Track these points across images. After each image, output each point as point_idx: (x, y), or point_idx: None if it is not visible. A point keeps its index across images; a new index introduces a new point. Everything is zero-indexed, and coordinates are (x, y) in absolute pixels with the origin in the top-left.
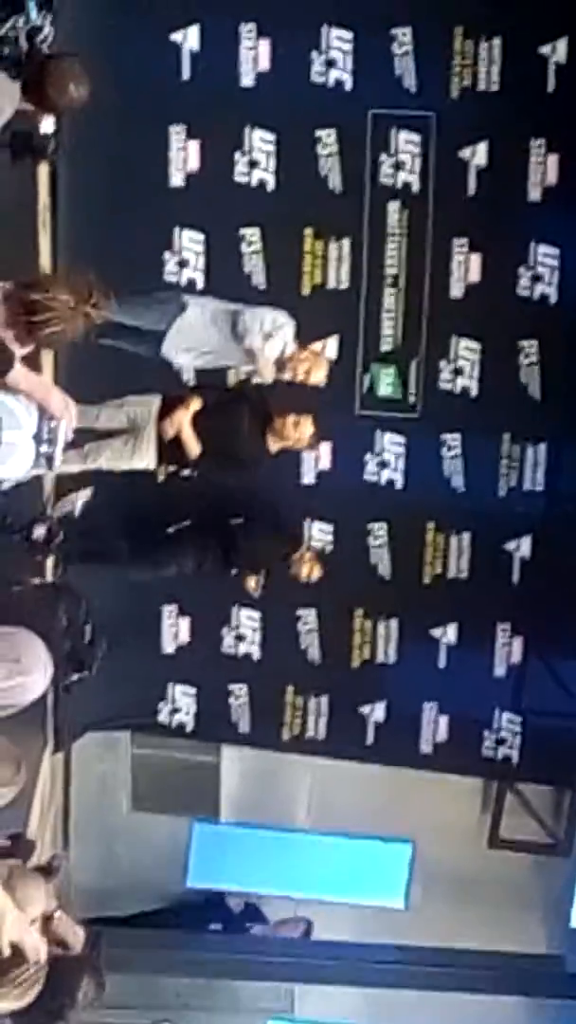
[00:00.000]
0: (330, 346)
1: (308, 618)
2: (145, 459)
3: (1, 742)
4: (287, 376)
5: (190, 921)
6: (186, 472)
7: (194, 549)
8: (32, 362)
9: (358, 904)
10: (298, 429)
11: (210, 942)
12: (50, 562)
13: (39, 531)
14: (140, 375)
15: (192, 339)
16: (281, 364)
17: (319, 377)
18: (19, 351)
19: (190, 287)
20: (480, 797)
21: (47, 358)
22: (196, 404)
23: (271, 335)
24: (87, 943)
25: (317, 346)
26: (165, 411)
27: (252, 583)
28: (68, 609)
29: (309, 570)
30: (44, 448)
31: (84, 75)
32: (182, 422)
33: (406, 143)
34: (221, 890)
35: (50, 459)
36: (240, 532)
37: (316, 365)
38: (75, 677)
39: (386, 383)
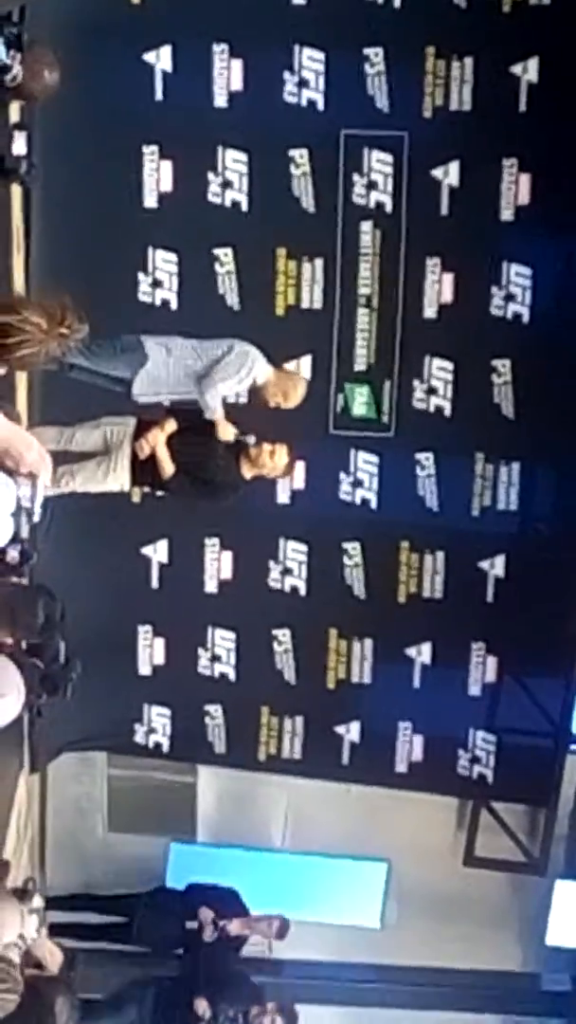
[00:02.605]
0: (303, 367)
1: (283, 638)
2: (120, 480)
3: None
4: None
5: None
6: (160, 493)
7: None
8: (6, 384)
9: (334, 923)
10: (274, 458)
11: (181, 965)
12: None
13: (12, 553)
14: (115, 396)
15: (160, 386)
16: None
17: (295, 401)
18: None
19: (164, 307)
20: (455, 816)
21: (21, 380)
22: (171, 425)
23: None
24: (64, 964)
25: (290, 368)
26: (141, 432)
27: (202, 1007)
28: (47, 606)
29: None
30: (23, 517)
31: (56, 62)
32: (157, 441)
33: (378, 163)
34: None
35: (30, 515)
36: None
37: (291, 391)
38: (48, 700)
39: (360, 403)
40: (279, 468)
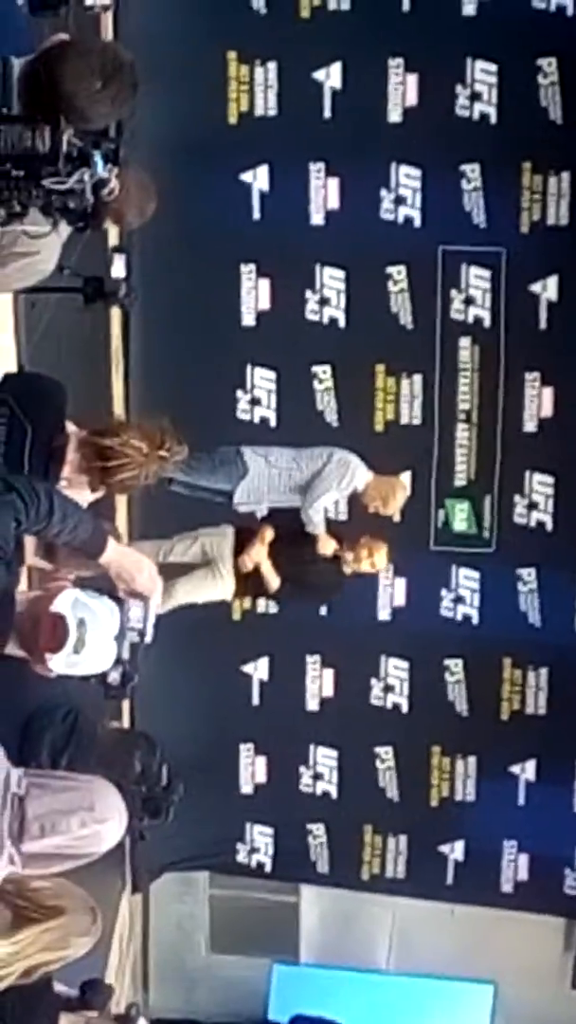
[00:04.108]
0: (405, 481)
1: (386, 756)
2: (225, 589)
3: (77, 892)
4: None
5: None
6: (262, 601)
7: None
8: (106, 502)
9: None
10: (372, 558)
11: None
12: (126, 705)
13: (114, 675)
14: (214, 506)
15: (261, 496)
16: (353, 500)
17: (394, 508)
18: (91, 496)
19: (263, 424)
20: (563, 936)
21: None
22: (270, 535)
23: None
24: None
25: (390, 481)
26: (239, 542)
27: None
28: (143, 757)
29: None
30: (132, 636)
31: (154, 193)
32: (260, 557)
33: (476, 278)
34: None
35: (143, 636)
36: None
37: (390, 497)
38: (150, 823)
39: (460, 518)
40: (378, 567)
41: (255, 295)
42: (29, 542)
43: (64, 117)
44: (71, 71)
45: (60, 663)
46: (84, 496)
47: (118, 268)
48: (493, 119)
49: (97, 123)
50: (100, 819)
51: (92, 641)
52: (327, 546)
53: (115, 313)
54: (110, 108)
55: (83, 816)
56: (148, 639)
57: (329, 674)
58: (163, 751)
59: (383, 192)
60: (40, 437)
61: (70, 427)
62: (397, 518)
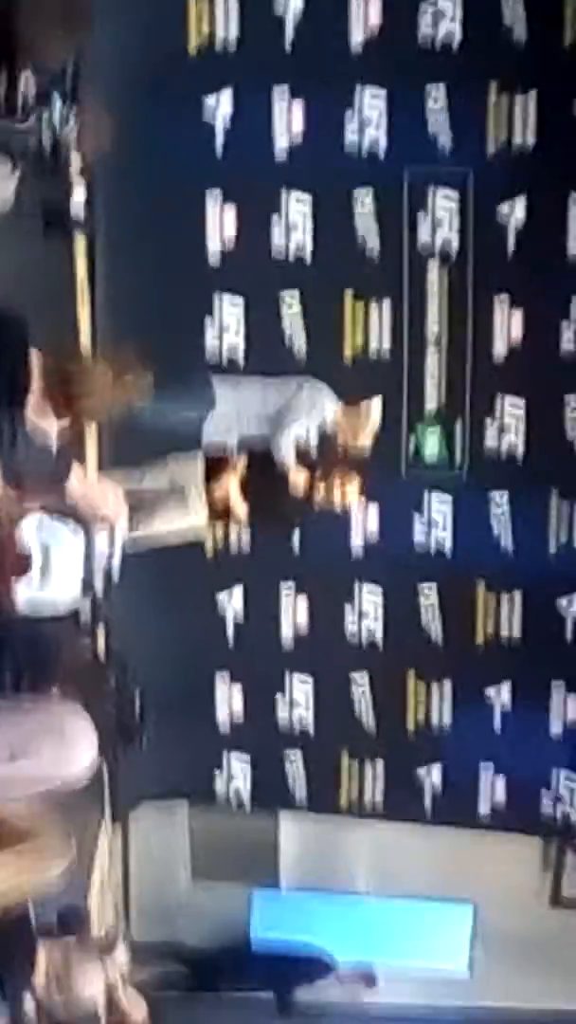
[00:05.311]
0: (374, 408)
1: (361, 682)
2: (195, 517)
3: (49, 815)
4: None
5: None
6: (234, 537)
7: None
8: (74, 432)
9: (420, 967)
10: (343, 492)
11: (271, 1009)
12: (100, 633)
13: (87, 600)
14: (183, 438)
15: (230, 424)
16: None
17: (365, 438)
18: (57, 424)
19: (231, 352)
20: (540, 856)
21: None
22: (242, 465)
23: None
24: (147, 1016)
25: (359, 411)
26: (209, 470)
27: None
28: (118, 672)
29: None
30: (99, 560)
31: (109, 126)
32: (229, 486)
33: (444, 200)
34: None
35: (110, 558)
36: None
37: (359, 428)
38: (124, 750)
39: (431, 444)
40: (349, 501)
41: (220, 222)
42: None
43: (23, 57)
44: (28, 11)
45: (27, 590)
46: (51, 424)
47: (78, 193)
48: (458, 38)
49: (57, 58)
50: (69, 743)
51: (58, 563)
52: (297, 476)
53: (80, 243)
54: (70, 40)
55: (52, 739)
56: (115, 562)
57: (303, 601)
58: (135, 677)
59: (348, 114)
60: (3, 366)
61: (35, 356)
62: (368, 446)
